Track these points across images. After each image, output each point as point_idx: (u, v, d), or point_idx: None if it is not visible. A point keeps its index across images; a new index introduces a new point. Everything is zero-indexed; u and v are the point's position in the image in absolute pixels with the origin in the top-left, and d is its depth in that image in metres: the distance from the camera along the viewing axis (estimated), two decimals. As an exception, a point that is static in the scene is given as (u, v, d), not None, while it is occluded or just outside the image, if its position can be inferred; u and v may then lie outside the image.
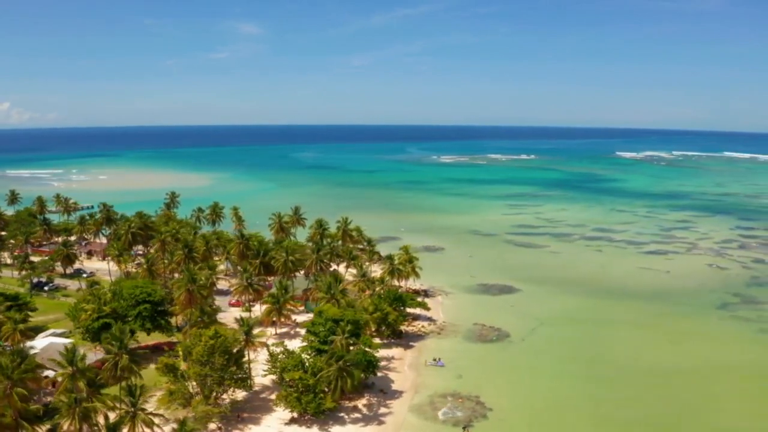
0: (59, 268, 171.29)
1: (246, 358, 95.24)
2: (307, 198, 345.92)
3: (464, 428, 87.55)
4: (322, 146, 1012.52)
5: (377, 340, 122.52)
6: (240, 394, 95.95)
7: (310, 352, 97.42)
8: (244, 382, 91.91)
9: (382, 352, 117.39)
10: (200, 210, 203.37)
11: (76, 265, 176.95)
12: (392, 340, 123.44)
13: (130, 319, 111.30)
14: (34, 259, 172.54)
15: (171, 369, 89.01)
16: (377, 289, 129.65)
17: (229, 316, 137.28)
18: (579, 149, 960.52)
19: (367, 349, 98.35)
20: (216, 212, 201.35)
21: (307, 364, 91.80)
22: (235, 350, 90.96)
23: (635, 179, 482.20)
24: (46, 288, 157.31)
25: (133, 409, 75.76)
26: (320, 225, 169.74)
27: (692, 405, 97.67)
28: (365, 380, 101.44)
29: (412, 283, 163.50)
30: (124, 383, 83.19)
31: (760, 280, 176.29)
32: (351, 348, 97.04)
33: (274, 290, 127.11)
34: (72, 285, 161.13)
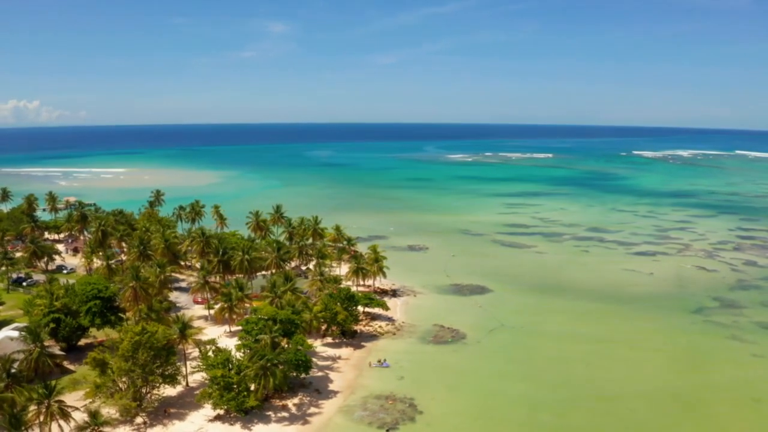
0: (41, 264, 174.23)
1: (178, 355, 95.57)
2: (307, 196, 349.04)
3: (387, 431, 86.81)
4: (340, 144, 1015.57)
5: (328, 340, 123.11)
6: (175, 390, 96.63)
7: (244, 350, 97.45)
8: (173, 378, 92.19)
9: (329, 352, 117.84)
10: (181, 208, 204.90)
11: (58, 262, 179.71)
12: (344, 340, 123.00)
13: (81, 314, 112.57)
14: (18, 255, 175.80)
15: (99, 363, 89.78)
16: (326, 289, 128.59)
17: (192, 313, 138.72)
18: (597, 148, 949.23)
19: (299, 348, 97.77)
20: (195, 210, 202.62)
21: (234, 362, 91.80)
22: (163, 347, 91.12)
23: (646, 178, 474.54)
24: (23, 284, 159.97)
25: (46, 401, 76.82)
26: (289, 224, 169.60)
27: (637, 418, 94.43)
28: (302, 379, 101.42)
29: (383, 283, 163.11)
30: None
31: (746, 284, 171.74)
32: (286, 346, 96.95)
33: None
34: (67, 281, 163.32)
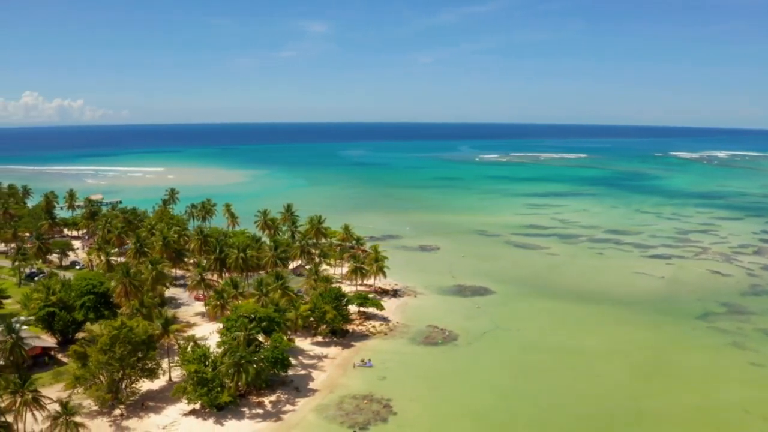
0: (56, 260, 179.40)
1: (160, 350, 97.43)
2: (329, 195, 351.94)
3: (354, 431, 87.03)
4: (374, 144, 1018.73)
5: (318, 338, 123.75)
6: (157, 384, 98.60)
7: (223, 347, 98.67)
8: (152, 372, 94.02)
9: (316, 351, 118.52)
10: (193, 206, 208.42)
11: (72, 258, 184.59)
12: (334, 339, 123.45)
13: (75, 308, 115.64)
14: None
15: (80, 356, 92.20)
16: (318, 288, 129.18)
17: (193, 310, 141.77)
18: (633, 148, 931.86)
19: (277, 345, 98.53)
20: (206, 208, 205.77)
21: (211, 358, 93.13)
22: (143, 341, 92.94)
23: (677, 179, 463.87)
24: (35, 278, 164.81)
25: (20, 391, 79.42)
26: (293, 223, 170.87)
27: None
28: (284, 377, 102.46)
29: (386, 283, 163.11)
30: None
31: (759, 289, 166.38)
32: (265, 344, 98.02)
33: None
34: (68, 276, 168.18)
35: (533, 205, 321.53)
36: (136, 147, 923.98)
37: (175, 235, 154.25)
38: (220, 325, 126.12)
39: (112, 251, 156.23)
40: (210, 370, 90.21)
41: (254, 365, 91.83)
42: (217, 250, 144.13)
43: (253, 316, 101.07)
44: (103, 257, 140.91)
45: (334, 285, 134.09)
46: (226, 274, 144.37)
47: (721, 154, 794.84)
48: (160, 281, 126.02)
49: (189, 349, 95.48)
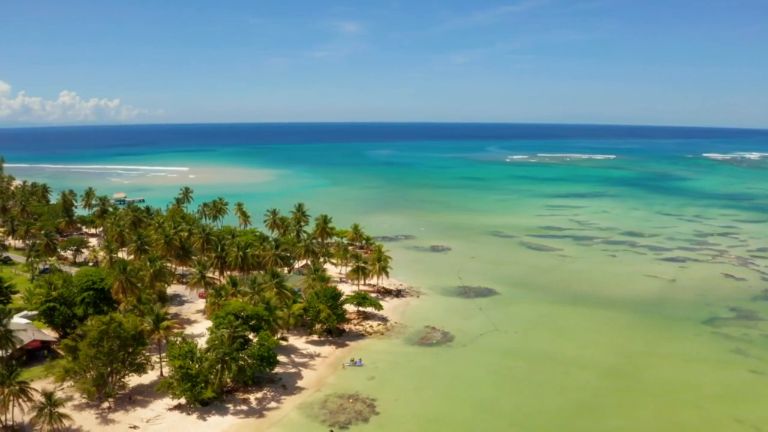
0: (70, 257, 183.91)
1: (150, 346, 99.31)
2: (350, 195, 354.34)
3: (331, 430, 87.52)
4: (403, 144, 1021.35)
5: (314, 337, 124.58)
6: (148, 379, 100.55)
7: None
8: (140, 367, 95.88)
9: (310, 349, 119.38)
10: (205, 205, 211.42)
11: (85, 255, 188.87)
12: (329, 338, 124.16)
13: (76, 304, 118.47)
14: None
15: (71, 349, 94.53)
16: (314, 287, 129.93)
17: (194, 307, 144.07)
18: (665, 149, 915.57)
19: (263, 343, 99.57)
20: (217, 207, 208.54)
21: (198, 354, 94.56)
22: (132, 336, 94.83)
23: (705, 180, 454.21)
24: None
25: (7, 381, 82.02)
26: (298, 222, 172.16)
27: None
28: (273, 375, 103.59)
29: (391, 282, 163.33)
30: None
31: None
32: (252, 341, 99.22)
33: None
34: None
35: (553, 206, 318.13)
36: (169, 146, 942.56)
37: (184, 233, 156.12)
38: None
39: (119, 249, 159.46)
40: (196, 365, 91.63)
41: (237, 362, 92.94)
42: (219, 249, 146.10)
43: (240, 313, 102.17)
44: (104, 254, 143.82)
45: (332, 284, 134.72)
46: (228, 273, 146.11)
47: (753, 155, 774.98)
48: (159, 278, 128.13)
49: (177, 345, 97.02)
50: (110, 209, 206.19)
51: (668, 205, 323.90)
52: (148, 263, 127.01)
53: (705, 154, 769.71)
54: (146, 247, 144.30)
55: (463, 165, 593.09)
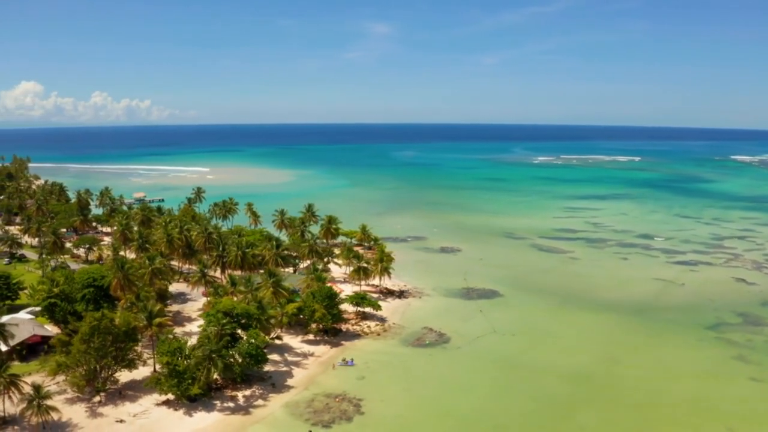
0: (83, 254, 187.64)
1: (143, 342, 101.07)
2: (367, 196, 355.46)
3: (309, 430, 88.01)
4: (429, 145, 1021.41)
5: (309, 336, 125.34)
6: (141, 374, 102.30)
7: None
8: (131, 363, 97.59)
9: (304, 348, 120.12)
10: (216, 205, 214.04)
11: (106, 253, 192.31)
12: (324, 338, 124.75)
13: (76, 300, 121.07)
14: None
15: (63, 344, 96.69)
16: (307, 288, 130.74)
17: (196, 305, 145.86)
18: (693, 150, 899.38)
19: (252, 341, 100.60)
20: (227, 207, 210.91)
21: (186, 351, 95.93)
22: (124, 332, 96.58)
23: (729, 182, 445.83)
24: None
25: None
26: (302, 222, 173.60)
27: None
28: (264, 373, 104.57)
29: (394, 283, 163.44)
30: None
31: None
32: (242, 339, 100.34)
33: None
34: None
35: (571, 208, 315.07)
36: (197, 147, 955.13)
37: (193, 233, 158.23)
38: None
39: (122, 247, 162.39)
40: (184, 362, 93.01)
41: (225, 359, 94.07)
42: (220, 248, 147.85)
43: (231, 311, 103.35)
44: (107, 251, 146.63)
45: (335, 285, 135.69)
46: (229, 272, 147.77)
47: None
48: (158, 276, 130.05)
49: (166, 341, 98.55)
50: (118, 208, 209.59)
51: (688, 207, 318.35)
52: (147, 261, 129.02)
53: (733, 156, 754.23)
54: (147, 245, 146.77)
55: (486, 166, 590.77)
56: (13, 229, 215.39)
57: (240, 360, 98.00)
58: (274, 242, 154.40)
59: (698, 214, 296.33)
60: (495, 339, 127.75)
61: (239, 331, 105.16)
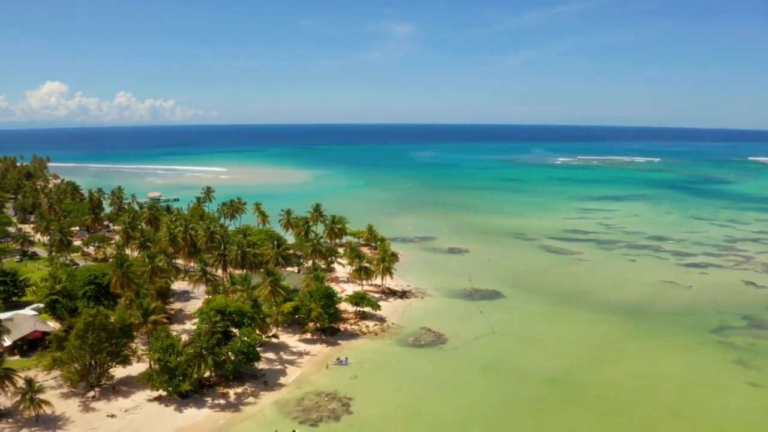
0: (92, 253, 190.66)
1: (138, 338, 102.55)
2: (381, 197, 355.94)
3: (294, 430, 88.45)
4: (448, 145, 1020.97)
5: (307, 335, 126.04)
6: (136, 370, 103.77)
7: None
8: (125, 359, 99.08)
9: (300, 347, 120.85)
10: (224, 204, 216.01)
11: (109, 251, 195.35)
12: (322, 337, 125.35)
13: (78, 297, 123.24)
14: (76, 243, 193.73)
15: (59, 340, 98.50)
16: (306, 287, 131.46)
17: (198, 303, 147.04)
18: (713, 151, 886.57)
19: (243, 339, 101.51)
20: (235, 207, 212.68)
21: (178, 348, 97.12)
22: (120, 329, 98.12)
23: (747, 184, 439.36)
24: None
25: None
26: (306, 222, 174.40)
27: None
28: (258, 370, 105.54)
29: (397, 283, 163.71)
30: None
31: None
32: (234, 336, 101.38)
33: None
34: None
35: (584, 209, 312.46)
36: (217, 146, 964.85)
37: (200, 231, 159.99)
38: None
39: (125, 245, 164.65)
40: (176, 359, 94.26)
41: (216, 356, 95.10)
42: (222, 247, 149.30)
43: (224, 309, 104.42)
44: (111, 250, 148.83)
45: (338, 284, 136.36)
46: (230, 270, 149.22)
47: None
48: (158, 274, 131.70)
49: (160, 338, 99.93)
50: (126, 207, 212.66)
51: (703, 208, 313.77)
52: (146, 259, 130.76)
53: (752, 158, 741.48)
54: (149, 243, 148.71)
55: (503, 167, 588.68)
56: (28, 227, 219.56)
57: (233, 357, 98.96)
58: (275, 242, 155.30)
59: (713, 215, 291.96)
60: (493, 340, 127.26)
61: (233, 329, 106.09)
